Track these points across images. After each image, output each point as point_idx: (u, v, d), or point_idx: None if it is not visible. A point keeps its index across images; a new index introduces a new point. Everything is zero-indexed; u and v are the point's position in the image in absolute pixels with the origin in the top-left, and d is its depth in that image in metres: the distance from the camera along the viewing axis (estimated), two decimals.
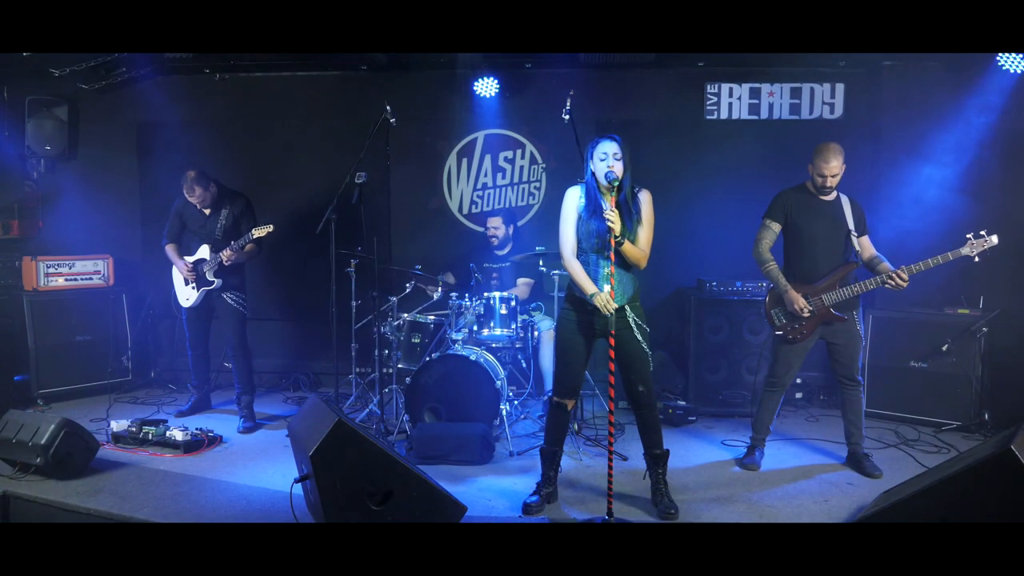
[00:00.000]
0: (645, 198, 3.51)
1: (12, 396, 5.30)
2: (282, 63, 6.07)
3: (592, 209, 3.47)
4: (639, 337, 3.47)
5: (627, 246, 3.41)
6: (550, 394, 3.77)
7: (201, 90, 6.20)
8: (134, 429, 4.53)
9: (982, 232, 3.69)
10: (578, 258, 3.53)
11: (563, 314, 3.63)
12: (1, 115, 5.79)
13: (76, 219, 6.11)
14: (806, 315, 3.95)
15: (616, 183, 3.35)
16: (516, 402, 5.25)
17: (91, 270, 5.92)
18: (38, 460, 3.82)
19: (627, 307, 3.47)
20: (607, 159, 3.39)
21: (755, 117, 5.93)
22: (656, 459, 3.62)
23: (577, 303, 3.56)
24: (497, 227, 5.59)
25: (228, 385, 5.40)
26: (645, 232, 3.49)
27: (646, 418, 3.59)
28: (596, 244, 3.47)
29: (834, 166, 3.91)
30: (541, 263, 5.23)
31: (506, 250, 5.59)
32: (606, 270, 3.40)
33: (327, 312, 4.79)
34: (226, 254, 4.85)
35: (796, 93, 5.89)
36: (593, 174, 3.46)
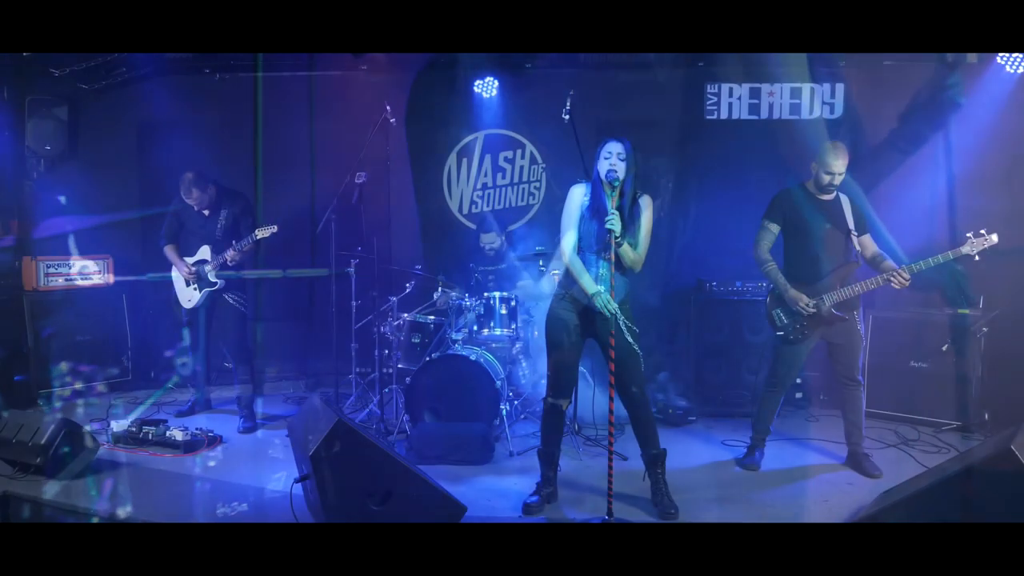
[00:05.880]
0: (646, 203, 3.53)
1: (11, 396, 5.29)
2: (282, 63, 6.06)
3: (595, 208, 3.48)
4: (630, 339, 3.46)
5: (625, 248, 3.43)
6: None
7: (201, 90, 6.19)
8: (134, 429, 4.53)
9: (982, 231, 3.69)
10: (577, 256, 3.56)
11: (557, 313, 3.61)
12: (1, 115, 5.79)
13: (76, 219, 6.11)
14: (811, 310, 3.95)
15: (617, 183, 3.38)
16: (516, 402, 5.25)
17: (91, 270, 5.92)
18: (38, 460, 3.82)
19: (618, 309, 3.47)
20: (611, 158, 3.43)
21: (755, 117, 5.92)
22: (654, 459, 3.62)
23: (572, 302, 3.56)
24: (492, 241, 5.53)
25: (228, 384, 5.39)
26: (644, 237, 3.51)
27: (641, 416, 3.59)
28: (596, 244, 3.49)
29: (841, 164, 3.92)
30: (541, 263, 5.22)
31: (504, 264, 5.54)
32: (604, 271, 3.42)
33: (327, 312, 4.78)
34: (230, 255, 4.85)
35: (796, 93, 5.88)
36: (598, 173, 3.47)
